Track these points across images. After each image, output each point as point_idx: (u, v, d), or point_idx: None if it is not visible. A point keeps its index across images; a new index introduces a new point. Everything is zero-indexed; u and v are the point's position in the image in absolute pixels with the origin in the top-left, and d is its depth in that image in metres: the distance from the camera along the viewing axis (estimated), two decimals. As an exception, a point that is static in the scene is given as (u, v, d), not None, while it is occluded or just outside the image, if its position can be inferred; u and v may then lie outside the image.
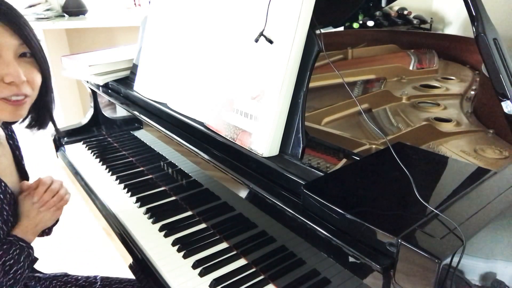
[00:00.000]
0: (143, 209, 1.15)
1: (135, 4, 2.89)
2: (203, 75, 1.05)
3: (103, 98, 1.56)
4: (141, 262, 0.98)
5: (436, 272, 0.51)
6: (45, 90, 0.95)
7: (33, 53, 0.88)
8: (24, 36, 0.85)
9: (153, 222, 1.09)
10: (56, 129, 1.08)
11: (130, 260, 1.02)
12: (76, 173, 1.45)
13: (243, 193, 0.89)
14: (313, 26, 0.81)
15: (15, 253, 0.85)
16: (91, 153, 1.53)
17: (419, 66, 1.60)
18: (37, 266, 1.16)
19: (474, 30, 0.87)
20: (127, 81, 1.43)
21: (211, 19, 1.07)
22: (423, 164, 0.78)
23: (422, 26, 2.45)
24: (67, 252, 2.18)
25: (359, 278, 0.63)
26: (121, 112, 1.46)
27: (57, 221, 1.09)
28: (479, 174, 0.72)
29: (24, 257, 0.87)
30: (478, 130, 1.08)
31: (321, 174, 0.76)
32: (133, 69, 1.43)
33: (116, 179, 1.33)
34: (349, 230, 0.63)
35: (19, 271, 0.85)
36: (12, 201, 0.91)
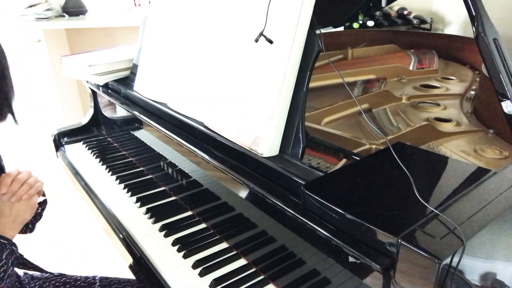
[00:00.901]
0: (143, 209, 1.15)
1: (135, 4, 2.89)
2: (203, 75, 1.05)
3: (103, 98, 1.56)
4: (141, 262, 0.98)
5: (436, 272, 0.51)
6: (3, 81, 0.94)
7: None
8: None
9: (153, 222, 1.09)
10: (15, 121, 1.06)
11: (130, 260, 1.02)
12: (76, 173, 1.45)
13: (243, 193, 0.89)
14: (313, 26, 0.81)
15: None
16: (91, 153, 1.53)
17: (419, 66, 1.60)
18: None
19: (474, 30, 0.87)
20: (127, 81, 1.43)
21: (211, 19, 1.07)
22: (423, 164, 0.78)
23: (422, 26, 2.45)
24: (67, 252, 2.18)
25: (359, 278, 0.63)
26: (121, 112, 1.46)
27: (39, 216, 1.08)
28: (479, 174, 0.72)
29: (7, 255, 0.85)
30: (478, 130, 1.08)
31: (321, 174, 0.76)
32: (133, 69, 1.43)
33: (116, 179, 1.33)
34: (349, 230, 0.63)
35: (2, 269, 0.84)
36: None
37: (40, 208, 1.07)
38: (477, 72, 1.55)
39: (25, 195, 0.94)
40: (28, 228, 1.06)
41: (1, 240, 0.86)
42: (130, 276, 1.06)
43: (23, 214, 0.94)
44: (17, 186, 0.94)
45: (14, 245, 0.89)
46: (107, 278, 1.13)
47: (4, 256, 0.85)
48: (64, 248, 2.21)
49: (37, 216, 1.08)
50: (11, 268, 0.86)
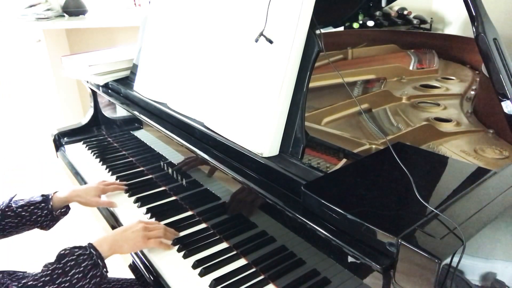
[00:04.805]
0: (143, 209, 1.15)
1: (135, 4, 2.89)
2: (203, 75, 1.05)
3: (103, 98, 1.56)
4: (141, 262, 0.98)
5: (436, 272, 0.51)
6: None
7: None
8: None
9: (153, 222, 1.09)
10: None
11: (130, 260, 1.02)
12: (76, 173, 1.45)
13: (243, 193, 0.89)
14: (313, 26, 0.81)
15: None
16: (91, 153, 1.53)
17: (419, 66, 1.60)
18: (37, 265, 1.16)
19: (474, 30, 0.87)
20: (127, 81, 1.43)
21: (211, 19, 1.07)
22: (423, 164, 0.78)
23: (422, 26, 2.45)
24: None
25: (359, 278, 0.64)
26: (121, 112, 1.46)
27: (58, 220, 1.10)
28: (479, 174, 0.72)
29: (91, 276, 0.81)
30: (478, 130, 1.08)
31: (321, 174, 0.76)
32: (133, 69, 1.43)
33: (116, 179, 1.33)
34: (349, 230, 0.63)
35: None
36: None
37: (62, 213, 1.13)
38: (477, 72, 1.55)
39: (156, 238, 0.96)
40: (47, 225, 1.10)
41: (98, 260, 0.83)
42: (130, 276, 1.06)
43: (124, 245, 0.91)
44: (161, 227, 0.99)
45: (106, 270, 0.85)
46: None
47: (88, 277, 0.80)
48: (64, 247, 2.21)
49: (57, 219, 1.11)
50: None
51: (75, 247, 0.84)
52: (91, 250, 0.84)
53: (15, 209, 1.04)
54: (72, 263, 0.80)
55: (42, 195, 1.09)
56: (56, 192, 1.12)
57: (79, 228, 2.34)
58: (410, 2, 2.46)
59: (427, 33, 2.12)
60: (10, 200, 1.06)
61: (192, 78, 1.09)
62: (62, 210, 1.13)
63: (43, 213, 1.07)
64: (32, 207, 1.06)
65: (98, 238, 0.89)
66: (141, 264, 0.98)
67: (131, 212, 1.16)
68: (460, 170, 0.77)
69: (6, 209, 1.03)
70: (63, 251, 0.82)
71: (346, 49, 1.73)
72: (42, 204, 1.07)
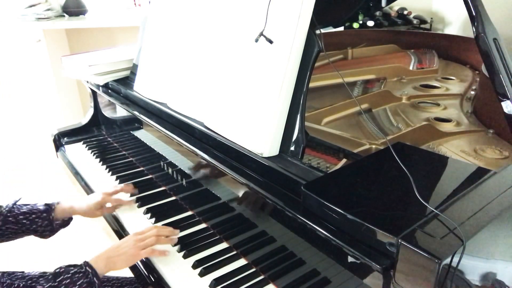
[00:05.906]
0: (143, 209, 1.15)
1: (135, 4, 2.89)
2: (203, 75, 1.05)
3: (103, 98, 1.56)
4: (140, 261, 0.98)
5: (436, 272, 0.51)
6: None
7: None
8: None
9: (153, 222, 1.09)
10: None
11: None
12: (76, 173, 1.45)
13: (243, 193, 0.89)
14: (313, 26, 0.81)
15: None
16: (91, 153, 1.53)
17: (419, 66, 1.60)
18: (36, 265, 1.16)
19: (474, 30, 0.87)
20: (127, 81, 1.43)
21: (211, 19, 1.07)
22: (423, 164, 0.78)
23: (422, 26, 2.45)
24: (67, 252, 2.18)
25: (359, 278, 0.63)
26: (121, 112, 1.46)
27: (58, 229, 1.10)
28: (479, 174, 0.72)
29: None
30: (478, 130, 1.08)
31: (321, 174, 0.76)
32: (133, 69, 1.43)
33: (116, 179, 1.33)
34: (349, 230, 0.63)
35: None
36: None
37: (62, 225, 1.11)
38: (477, 72, 1.55)
39: (149, 248, 0.93)
40: (46, 235, 1.09)
41: (94, 278, 0.82)
42: (129, 274, 1.06)
43: (118, 261, 0.90)
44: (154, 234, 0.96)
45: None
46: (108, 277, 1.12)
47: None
48: (64, 248, 2.21)
49: (56, 231, 1.10)
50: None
51: (70, 265, 0.83)
52: (87, 268, 0.83)
53: (16, 215, 1.03)
54: (67, 281, 0.79)
55: (46, 204, 1.08)
56: (59, 202, 1.10)
57: (79, 228, 2.34)
58: (410, 2, 2.46)
59: (427, 33, 2.12)
60: (14, 203, 1.05)
61: (192, 78, 1.09)
62: (62, 223, 1.11)
63: (43, 224, 1.06)
64: (33, 216, 1.05)
65: (93, 256, 0.88)
66: (140, 263, 0.98)
67: (131, 212, 1.16)
68: (460, 170, 0.77)
69: (8, 214, 1.02)
70: (58, 269, 0.81)
71: (346, 49, 1.73)
72: (44, 214, 1.06)
